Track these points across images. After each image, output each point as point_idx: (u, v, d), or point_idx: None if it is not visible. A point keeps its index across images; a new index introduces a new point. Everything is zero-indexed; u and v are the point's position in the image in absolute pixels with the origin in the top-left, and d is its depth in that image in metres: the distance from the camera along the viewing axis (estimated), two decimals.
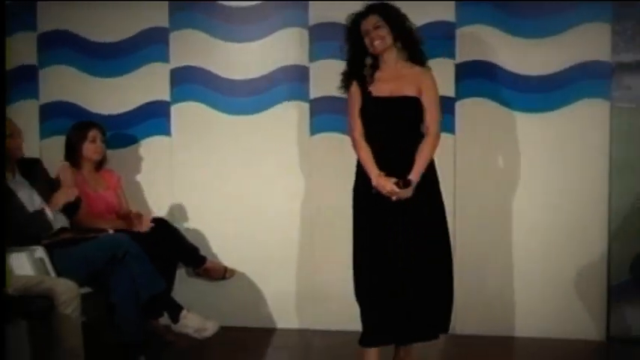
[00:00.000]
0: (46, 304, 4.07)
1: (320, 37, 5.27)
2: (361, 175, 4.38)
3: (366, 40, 4.35)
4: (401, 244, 4.27)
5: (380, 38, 4.32)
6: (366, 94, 4.37)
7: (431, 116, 4.33)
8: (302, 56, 5.33)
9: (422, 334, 4.39)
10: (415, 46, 4.40)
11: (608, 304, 5.07)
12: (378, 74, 4.39)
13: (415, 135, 4.32)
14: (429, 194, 4.34)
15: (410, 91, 4.32)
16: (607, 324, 5.08)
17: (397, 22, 4.35)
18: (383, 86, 4.36)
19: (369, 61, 4.42)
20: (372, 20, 4.33)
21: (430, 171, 4.35)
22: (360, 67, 4.42)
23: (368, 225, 4.33)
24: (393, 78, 4.37)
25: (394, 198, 4.22)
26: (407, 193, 4.22)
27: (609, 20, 4.99)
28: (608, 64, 5.01)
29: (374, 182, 4.26)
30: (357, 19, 4.40)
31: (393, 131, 4.33)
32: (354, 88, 4.40)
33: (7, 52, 5.04)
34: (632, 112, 5.00)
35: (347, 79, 4.44)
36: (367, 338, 4.32)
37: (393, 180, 4.22)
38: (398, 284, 4.26)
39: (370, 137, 4.35)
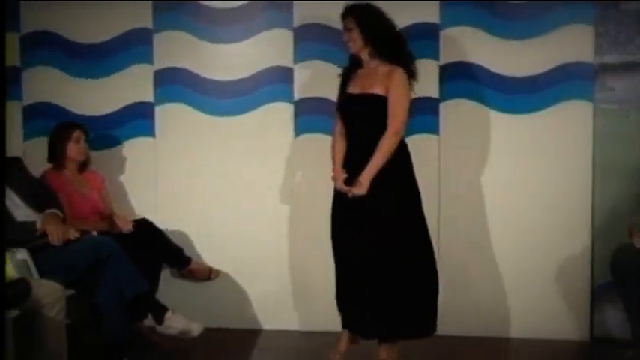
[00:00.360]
0: (26, 307, 4.04)
1: (304, 38, 5.27)
2: None
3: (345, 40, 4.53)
4: (356, 241, 4.40)
5: (352, 40, 4.48)
6: (343, 92, 4.53)
7: (392, 114, 4.39)
8: (286, 57, 5.32)
9: (376, 332, 4.50)
10: (387, 46, 4.47)
11: (592, 304, 5.10)
12: (359, 71, 4.53)
13: (381, 134, 4.37)
14: (392, 192, 4.38)
15: (378, 90, 4.41)
16: (590, 324, 5.11)
17: (368, 25, 4.45)
18: (357, 83, 4.51)
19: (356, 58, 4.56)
20: (347, 22, 4.50)
21: (395, 169, 4.39)
22: (351, 63, 4.57)
23: (334, 222, 4.54)
24: (367, 76, 4.49)
25: (350, 195, 4.35)
26: (360, 190, 4.32)
27: (592, 22, 5.01)
28: (591, 65, 5.03)
29: (331, 177, 4.47)
30: (342, 17, 4.55)
31: (362, 128, 4.45)
32: (340, 85, 4.57)
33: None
34: (615, 113, 5.02)
35: (342, 73, 4.61)
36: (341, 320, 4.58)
37: (345, 176, 4.39)
38: (353, 280, 4.44)
39: (347, 134, 4.50)
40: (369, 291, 4.40)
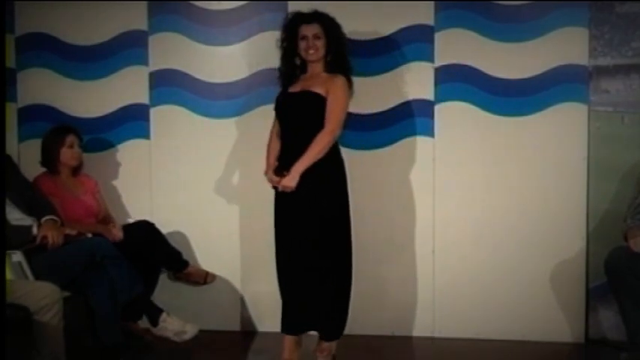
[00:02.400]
0: (20, 314, 4.03)
1: None
2: None
3: (301, 44, 4.56)
4: (287, 237, 4.48)
5: (315, 49, 4.52)
6: (283, 92, 4.61)
7: (330, 113, 4.45)
8: None
9: (316, 328, 4.59)
10: (342, 60, 4.56)
11: (587, 306, 5.10)
12: (302, 76, 4.61)
13: (318, 132, 4.42)
14: (317, 196, 4.42)
15: (319, 90, 4.48)
16: (585, 326, 5.11)
17: (334, 37, 4.54)
18: (298, 84, 4.58)
19: (298, 61, 4.62)
20: (314, 29, 4.54)
21: (324, 171, 4.42)
22: (290, 66, 4.63)
23: (275, 218, 4.58)
24: (309, 79, 4.58)
25: (280, 188, 4.42)
26: (289, 182, 4.37)
27: (587, 24, 5.02)
28: (586, 67, 5.04)
29: (264, 173, 4.56)
30: (298, 20, 4.58)
31: (298, 126, 4.50)
32: (282, 86, 4.66)
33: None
34: (610, 115, 5.03)
35: (282, 79, 4.67)
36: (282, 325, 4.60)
37: (281, 172, 4.44)
38: (287, 275, 4.52)
39: (282, 133, 4.57)
40: (305, 288, 4.45)
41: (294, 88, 4.57)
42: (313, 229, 4.40)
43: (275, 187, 4.51)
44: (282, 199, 4.49)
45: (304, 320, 4.53)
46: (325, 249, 4.42)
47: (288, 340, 4.59)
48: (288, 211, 4.46)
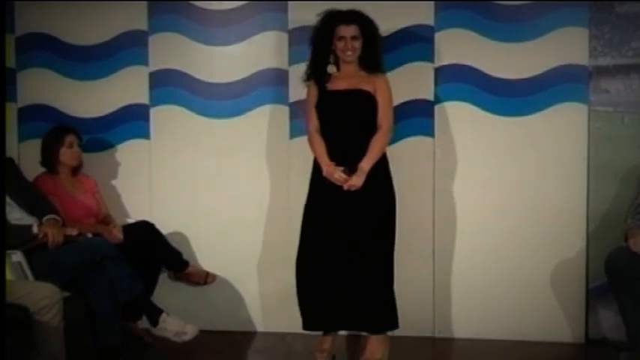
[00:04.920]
0: (20, 314, 4.03)
1: (299, 40, 5.25)
2: (315, 169, 4.59)
3: (338, 44, 4.55)
4: (344, 236, 4.44)
5: (353, 50, 4.53)
6: (322, 90, 4.56)
7: (384, 112, 4.53)
8: (281, 59, 5.32)
9: (360, 326, 4.60)
10: (377, 59, 4.60)
11: (587, 306, 5.10)
12: (335, 74, 4.60)
13: (367, 130, 4.50)
14: (379, 191, 4.48)
15: (367, 88, 4.52)
16: (585, 326, 5.11)
17: (371, 38, 4.56)
18: (339, 82, 4.58)
19: (332, 60, 4.60)
20: (352, 30, 4.54)
21: (382, 168, 4.50)
22: (322, 64, 4.60)
23: (316, 216, 4.55)
24: (351, 76, 4.58)
25: (345, 187, 4.39)
26: (357, 181, 4.38)
27: (587, 24, 5.01)
28: (586, 67, 5.04)
29: (324, 171, 4.46)
30: (336, 20, 4.53)
31: (347, 124, 4.52)
32: (312, 84, 4.63)
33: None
34: (610, 115, 5.03)
35: (310, 74, 4.64)
36: (306, 322, 4.59)
37: (341, 168, 4.40)
38: (338, 275, 4.45)
39: (325, 130, 4.55)
40: (360, 286, 4.44)
41: (336, 86, 4.56)
42: (377, 221, 4.47)
43: (327, 183, 4.47)
44: (334, 196, 4.45)
45: (348, 317, 4.53)
46: (387, 239, 4.52)
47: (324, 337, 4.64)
48: (347, 206, 4.43)
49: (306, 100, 4.71)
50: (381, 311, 4.52)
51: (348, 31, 4.52)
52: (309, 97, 4.65)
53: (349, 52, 4.53)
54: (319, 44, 4.61)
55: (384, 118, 4.52)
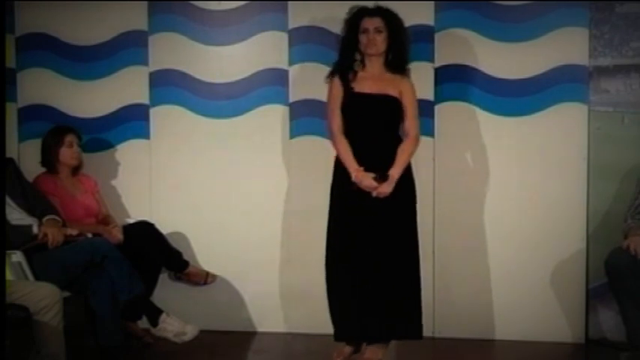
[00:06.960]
0: (20, 314, 4.03)
1: (299, 40, 5.26)
2: (339, 171, 4.50)
3: (362, 38, 4.48)
4: (372, 242, 4.39)
5: (376, 43, 4.45)
6: (348, 90, 4.47)
7: (411, 119, 4.49)
8: (281, 59, 5.32)
9: (388, 334, 4.50)
10: (402, 57, 4.52)
11: (587, 306, 5.10)
12: (360, 73, 4.51)
13: (392, 135, 4.48)
14: (405, 197, 4.46)
15: (393, 92, 4.46)
16: (585, 326, 5.11)
17: (396, 33, 4.49)
18: (365, 84, 4.49)
19: (358, 57, 4.52)
20: (376, 22, 4.47)
21: (408, 174, 4.48)
22: (349, 60, 4.52)
23: (342, 221, 4.46)
24: (376, 78, 4.50)
25: (374, 193, 4.34)
26: (387, 188, 4.35)
27: (587, 24, 5.01)
28: (586, 67, 5.04)
29: (353, 177, 4.37)
30: (361, 14, 4.51)
31: (372, 128, 4.47)
32: (337, 82, 4.52)
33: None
34: (610, 115, 5.03)
35: (336, 70, 4.54)
36: (337, 332, 4.49)
37: (372, 175, 4.33)
38: (365, 282, 4.39)
39: (349, 133, 4.47)
40: (388, 293, 4.40)
41: (362, 88, 4.48)
42: (404, 228, 4.46)
43: (353, 188, 4.39)
44: (362, 201, 4.38)
45: (379, 326, 4.45)
46: (414, 246, 4.49)
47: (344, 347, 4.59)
48: (375, 211, 4.38)
49: (328, 97, 4.58)
50: (416, 318, 4.50)
51: (371, 22, 4.45)
52: (333, 95, 4.53)
53: (370, 45, 4.43)
54: (345, 40, 4.54)
55: (412, 125, 4.48)
